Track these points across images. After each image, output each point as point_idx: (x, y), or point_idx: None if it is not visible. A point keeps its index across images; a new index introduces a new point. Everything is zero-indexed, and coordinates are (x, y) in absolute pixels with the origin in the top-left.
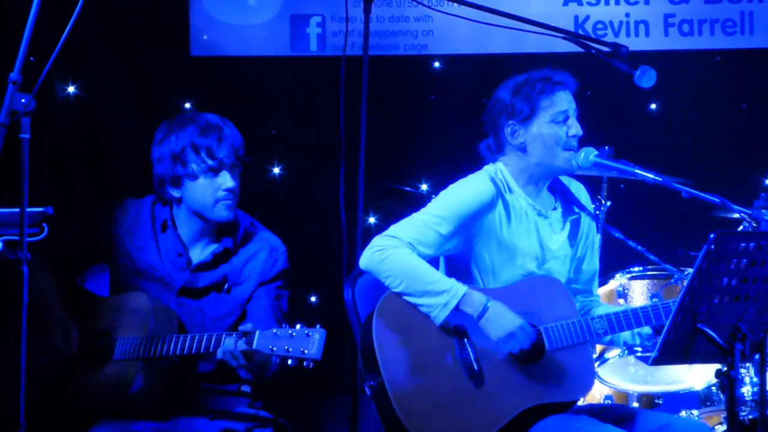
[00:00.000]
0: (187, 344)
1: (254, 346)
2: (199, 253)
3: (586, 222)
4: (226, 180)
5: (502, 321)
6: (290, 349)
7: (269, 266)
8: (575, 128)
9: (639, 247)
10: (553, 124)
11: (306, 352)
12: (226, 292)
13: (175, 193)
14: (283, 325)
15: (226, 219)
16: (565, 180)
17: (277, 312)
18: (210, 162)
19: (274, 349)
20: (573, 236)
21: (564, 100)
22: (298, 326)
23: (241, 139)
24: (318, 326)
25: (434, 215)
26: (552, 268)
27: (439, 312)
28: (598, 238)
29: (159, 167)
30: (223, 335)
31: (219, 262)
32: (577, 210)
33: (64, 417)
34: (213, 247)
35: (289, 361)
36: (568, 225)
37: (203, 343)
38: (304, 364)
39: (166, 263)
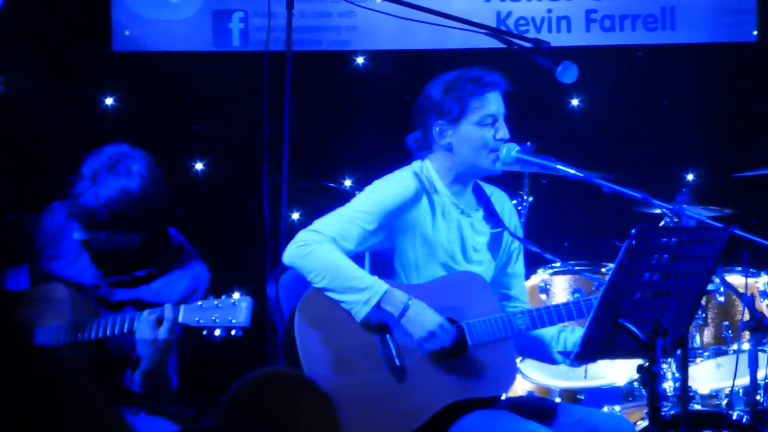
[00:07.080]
0: (108, 326)
1: (180, 320)
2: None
3: (508, 235)
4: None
5: (422, 320)
6: (217, 319)
7: (188, 294)
8: (503, 131)
9: (557, 260)
10: (481, 126)
11: (234, 320)
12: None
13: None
14: (208, 297)
15: None
16: (488, 189)
17: None
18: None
19: (201, 320)
20: (495, 247)
21: (493, 103)
22: (223, 296)
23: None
24: (243, 294)
25: (358, 210)
26: (475, 269)
27: (360, 309)
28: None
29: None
30: (146, 310)
31: (138, 283)
32: (499, 226)
33: None
34: (134, 270)
35: (217, 332)
36: (489, 233)
37: (126, 323)
38: (233, 333)
39: (86, 274)
